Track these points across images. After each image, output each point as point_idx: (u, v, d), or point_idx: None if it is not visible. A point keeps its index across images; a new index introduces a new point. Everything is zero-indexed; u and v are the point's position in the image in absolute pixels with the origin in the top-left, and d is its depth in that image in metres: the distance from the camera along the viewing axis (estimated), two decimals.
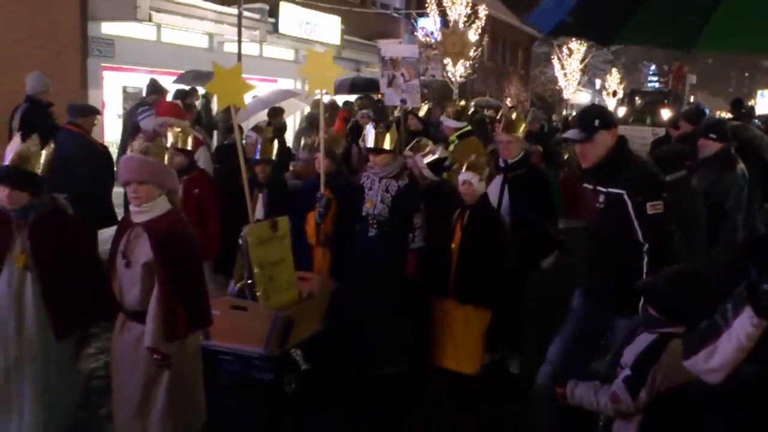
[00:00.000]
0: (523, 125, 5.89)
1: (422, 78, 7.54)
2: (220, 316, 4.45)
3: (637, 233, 3.77)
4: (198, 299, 3.68)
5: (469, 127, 7.40)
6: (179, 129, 6.08)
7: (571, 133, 4.03)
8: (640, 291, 3.40)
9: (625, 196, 3.78)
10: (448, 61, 24.78)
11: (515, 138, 5.67)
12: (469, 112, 8.95)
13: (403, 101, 7.23)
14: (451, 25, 7.76)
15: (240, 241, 4.84)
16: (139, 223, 3.61)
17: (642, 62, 65.71)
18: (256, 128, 7.42)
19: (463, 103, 8.78)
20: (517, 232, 5.44)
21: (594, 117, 3.92)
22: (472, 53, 25.30)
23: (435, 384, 5.36)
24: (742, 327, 2.16)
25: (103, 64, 14.57)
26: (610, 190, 3.86)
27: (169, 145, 5.98)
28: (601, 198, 3.90)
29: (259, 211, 5.80)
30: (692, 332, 2.44)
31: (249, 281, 4.80)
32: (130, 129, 8.99)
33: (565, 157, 10.38)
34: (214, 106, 10.86)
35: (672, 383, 3.01)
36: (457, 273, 5.21)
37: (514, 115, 6.22)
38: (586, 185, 4.14)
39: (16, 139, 3.88)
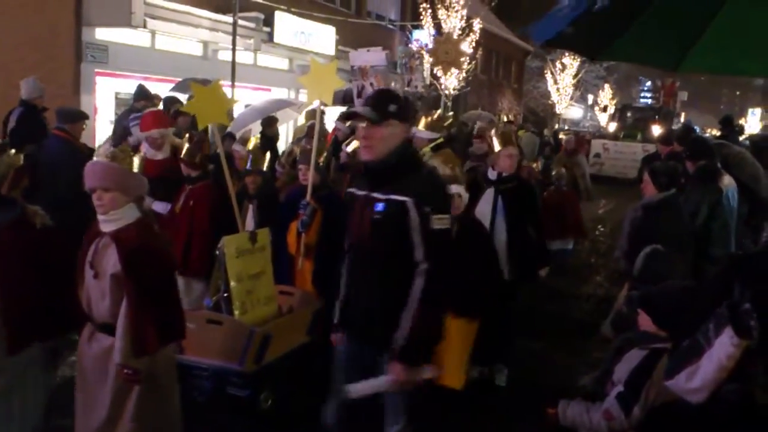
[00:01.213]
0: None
1: (406, 89, 7.27)
2: (195, 330, 4.34)
3: (415, 250, 3.22)
4: (169, 312, 3.55)
5: (442, 139, 7.16)
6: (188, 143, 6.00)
7: (361, 109, 3.42)
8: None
9: (409, 204, 3.21)
10: (441, 73, 24.90)
11: (517, 151, 5.74)
12: (446, 124, 8.40)
13: None
14: (445, 33, 7.60)
15: (217, 253, 4.74)
16: (107, 233, 3.49)
17: (637, 78, 66.04)
18: (243, 140, 7.33)
19: (438, 112, 8.32)
20: (513, 244, 5.49)
21: (389, 101, 3.35)
22: (465, 66, 25.45)
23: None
24: (722, 347, 2.18)
25: (96, 70, 14.52)
26: (391, 197, 3.26)
27: (182, 155, 5.96)
28: (379, 207, 3.29)
29: (250, 223, 5.77)
30: (676, 351, 2.46)
31: (225, 294, 4.69)
32: (120, 134, 8.99)
33: (553, 173, 10.00)
34: None
35: (665, 399, 3.01)
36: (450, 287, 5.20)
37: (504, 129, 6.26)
38: (353, 190, 3.54)
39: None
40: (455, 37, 24.81)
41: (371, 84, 6.89)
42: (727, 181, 5.87)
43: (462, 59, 7.46)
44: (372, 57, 6.93)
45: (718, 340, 2.21)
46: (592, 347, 6.43)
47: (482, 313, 5.23)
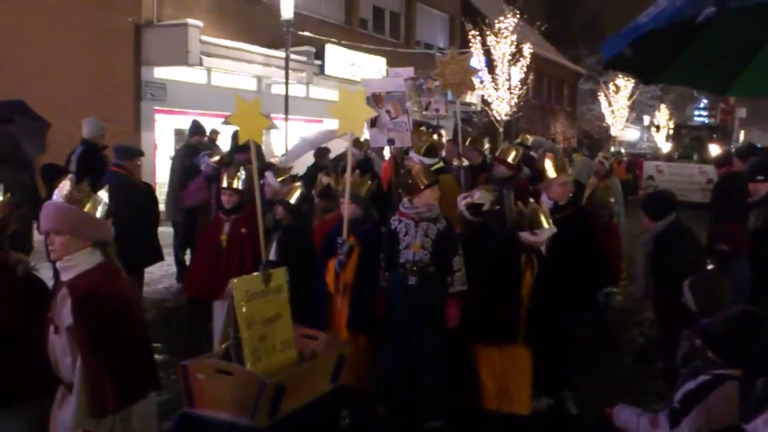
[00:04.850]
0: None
1: (425, 113, 6.92)
2: (205, 381, 4.08)
3: None
4: (129, 369, 3.13)
5: (441, 164, 6.72)
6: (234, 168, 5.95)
7: None
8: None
9: None
10: (492, 99, 24.80)
11: (569, 178, 5.61)
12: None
13: (391, 141, 6.54)
14: (448, 52, 7.48)
15: (226, 296, 4.41)
16: (64, 282, 3.14)
17: (693, 96, 64.68)
18: (276, 171, 7.09)
19: (436, 137, 7.91)
20: (569, 274, 5.35)
21: None
22: (517, 91, 25.35)
23: (486, 429, 5.19)
24: None
25: (155, 108, 15.03)
26: None
27: (224, 184, 6.00)
28: None
29: (273, 254, 5.48)
30: (748, 388, 2.34)
31: (236, 341, 4.25)
32: (179, 170, 9.22)
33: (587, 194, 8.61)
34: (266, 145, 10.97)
35: (716, 425, 2.98)
36: (529, 318, 5.06)
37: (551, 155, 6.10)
38: None
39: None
40: (506, 63, 24.85)
41: (388, 111, 6.48)
42: None
43: (471, 77, 7.18)
44: (388, 83, 6.53)
45: None
46: (659, 374, 6.24)
47: (555, 341, 5.12)
